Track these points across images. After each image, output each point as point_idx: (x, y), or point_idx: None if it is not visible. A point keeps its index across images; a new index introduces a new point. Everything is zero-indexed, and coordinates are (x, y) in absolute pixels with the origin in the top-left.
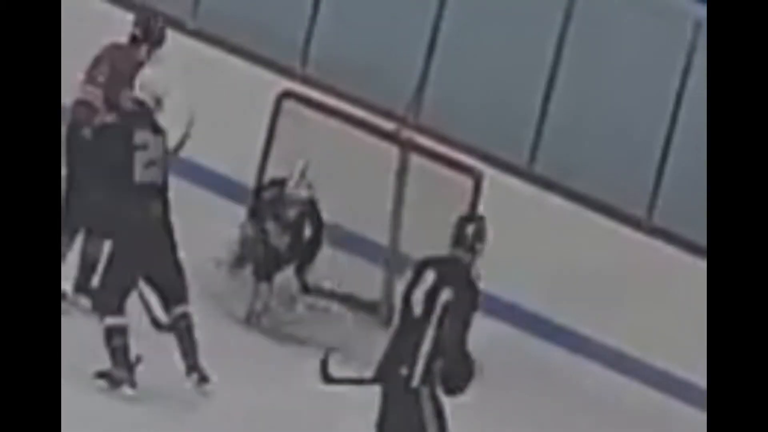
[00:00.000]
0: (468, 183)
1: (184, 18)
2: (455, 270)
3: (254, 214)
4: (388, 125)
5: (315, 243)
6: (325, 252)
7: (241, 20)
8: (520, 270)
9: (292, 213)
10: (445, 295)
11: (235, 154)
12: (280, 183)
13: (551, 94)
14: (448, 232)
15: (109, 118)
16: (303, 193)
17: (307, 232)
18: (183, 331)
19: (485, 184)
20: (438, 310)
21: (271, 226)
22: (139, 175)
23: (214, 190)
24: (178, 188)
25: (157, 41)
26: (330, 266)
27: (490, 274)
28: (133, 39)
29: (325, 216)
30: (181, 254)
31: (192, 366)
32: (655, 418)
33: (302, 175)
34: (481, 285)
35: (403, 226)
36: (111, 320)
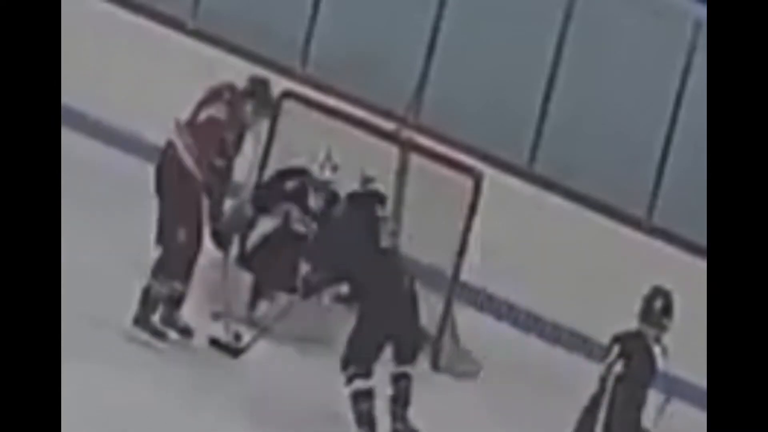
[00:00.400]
0: (468, 183)
1: (184, 18)
2: (636, 344)
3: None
4: (388, 125)
5: None
6: None
7: (241, 20)
8: (519, 270)
9: (317, 199)
10: (618, 367)
11: None
12: (300, 172)
13: (551, 94)
14: (448, 232)
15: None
16: (327, 174)
17: None
18: (402, 388)
19: (485, 184)
20: (610, 382)
21: (295, 212)
22: (385, 242)
23: None
24: None
25: (264, 107)
26: None
27: (490, 274)
28: (244, 93)
29: None
30: None
31: (400, 417)
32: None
33: (328, 157)
34: (480, 285)
35: (403, 226)
36: (359, 384)
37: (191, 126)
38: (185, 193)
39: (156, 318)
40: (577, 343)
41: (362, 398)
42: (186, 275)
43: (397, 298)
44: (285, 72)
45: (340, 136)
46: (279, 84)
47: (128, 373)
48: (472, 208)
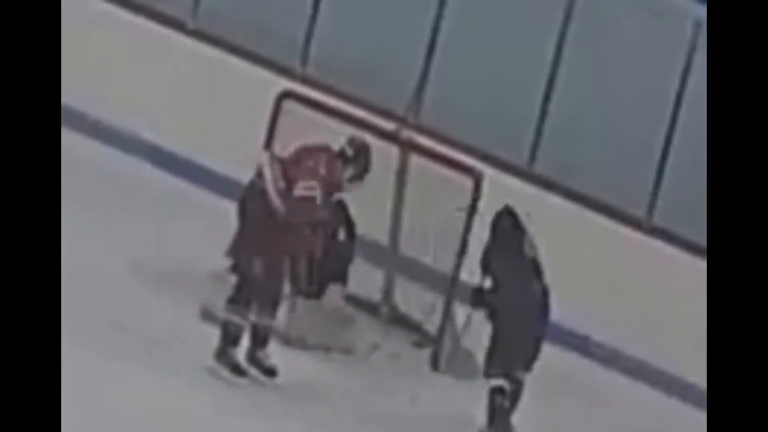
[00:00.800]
0: (468, 183)
1: (184, 18)
2: None
3: None
4: (388, 125)
5: (350, 247)
6: None
7: (241, 20)
8: None
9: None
10: None
11: (235, 154)
12: None
13: (551, 94)
14: (448, 232)
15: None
16: None
17: (341, 235)
18: (512, 392)
19: (485, 184)
20: None
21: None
22: (528, 251)
23: (214, 190)
24: (178, 188)
25: (364, 173)
26: None
27: None
28: (341, 153)
29: None
30: (181, 254)
31: (503, 425)
32: (655, 418)
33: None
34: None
35: (403, 226)
36: (497, 382)
37: (284, 165)
38: (268, 226)
39: (240, 354)
40: (577, 342)
41: (498, 394)
42: (267, 310)
43: (531, 307)
44: (285, 72)
45: (340, 136)
46: (279, 84)
47: (129, 369)
48: (472, 208)
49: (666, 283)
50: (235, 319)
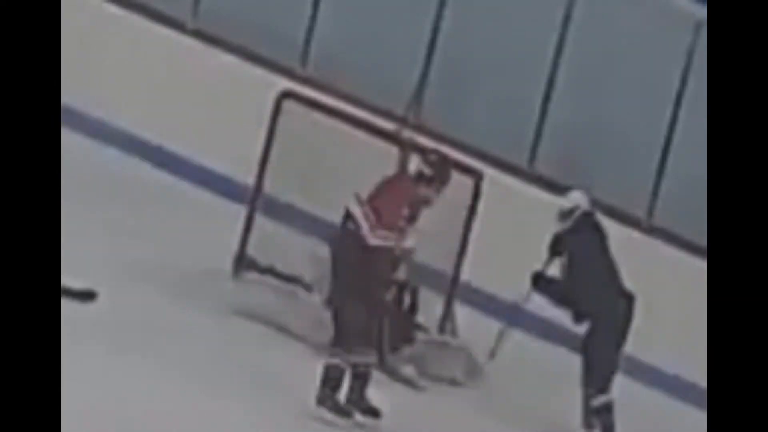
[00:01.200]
0: (468, 183)
1: (184, 18)
2: None
3: None
4: (388, 125)
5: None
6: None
7: (241, 20)
8: (519, 270)
9: None
10: None
11: (235, 154)
12: None
13: (551, 94)
14: (448, 232)
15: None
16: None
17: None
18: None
19: (485, 184)
20: None
21: None
22: (610, 256)
23: (214, 190)
24: (178, 188)
25: (445, 184)
26: None
27: (490, 275)
28: (420, 176)
29: (324, 215)
30: (182, 254)
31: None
32: (655, 418)
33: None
34: (480, 284)
35: None
36: (600, 399)
37: (369, 199)
38: (362, 267)
39: (341, 396)
40: (578, 342)
41: (604, 412)
42: (367, 348)
43: (618, 315)
44: (285, 72)
45: (340, 136)
46: (279, 84)
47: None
48: (472, 208)
49: (666, 283)
50: (337, 362)
